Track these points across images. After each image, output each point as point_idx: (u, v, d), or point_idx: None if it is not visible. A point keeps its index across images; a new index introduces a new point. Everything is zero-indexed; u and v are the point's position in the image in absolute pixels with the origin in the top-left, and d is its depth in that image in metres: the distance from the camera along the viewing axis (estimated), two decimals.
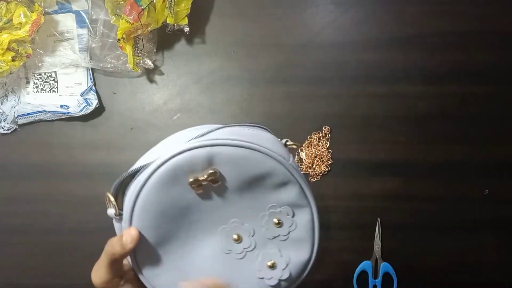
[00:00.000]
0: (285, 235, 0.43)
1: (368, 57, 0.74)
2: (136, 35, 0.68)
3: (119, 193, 0.41)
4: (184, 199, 0.40)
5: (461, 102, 0.74)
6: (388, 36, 0.74)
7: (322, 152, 0.72)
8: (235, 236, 0.42)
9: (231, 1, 0.75)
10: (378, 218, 0.72)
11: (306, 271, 0.43)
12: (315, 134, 0.73)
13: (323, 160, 0.72)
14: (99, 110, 0.73)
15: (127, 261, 0.43)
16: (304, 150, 0.73)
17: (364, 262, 0.72)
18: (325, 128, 0.73)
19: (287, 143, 0.43)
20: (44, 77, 0.73)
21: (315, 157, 0.72)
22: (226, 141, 0.39)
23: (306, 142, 0.73)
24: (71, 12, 0.73)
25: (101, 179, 0.73)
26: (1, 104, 0.74)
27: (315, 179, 0.73)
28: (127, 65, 0.69)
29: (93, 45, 0.72)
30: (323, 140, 0.73)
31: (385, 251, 0.72)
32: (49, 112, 0.72)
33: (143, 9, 0.65)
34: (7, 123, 0.73)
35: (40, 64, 0.73)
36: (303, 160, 0.73)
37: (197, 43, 0.75)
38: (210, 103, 0.74)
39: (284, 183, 0.41)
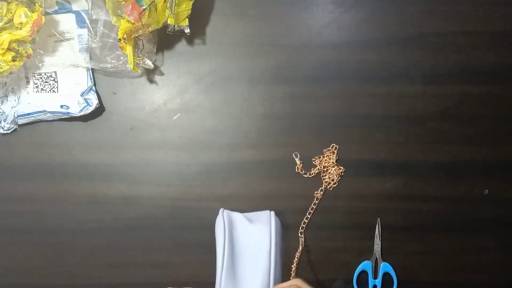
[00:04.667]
0: None
1: (368, 57, 0.74)
2: (136, 35, 0.68)
3: None
4: None
5: (461, 102, 0.74)
6: (388, 36, 0.74)
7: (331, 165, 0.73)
8: None
9: (231, 2, 0.75)
10: (378, 218, 0.72)
11: None
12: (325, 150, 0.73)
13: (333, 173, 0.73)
14: (99, 110, 0.74)
15: None
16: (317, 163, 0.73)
17: (364, 262, 0.72)
18: (332, 146, 0.73)
19: None
20: (44, 77, 0.73)
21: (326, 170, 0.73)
22: None
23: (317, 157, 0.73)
24: (71, 12, 0.73)
25: (101, 179, 0.73)
26: (1, 104, 0.74)
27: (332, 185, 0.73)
28: (127, 65, 0.69)
29: (93, 45, 0.72)
30: (332, 156, 0.73)
31: (385, 251, 0.72)
32: (49, 112, 0.72)
33: (144, 9, 0.65)
34: (7, 123, 0.73)
35: (40, 64, 0.73)
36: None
37: (197, 43, 0.75)
38: (210, 103, 0.74)
39: None
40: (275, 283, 0.59)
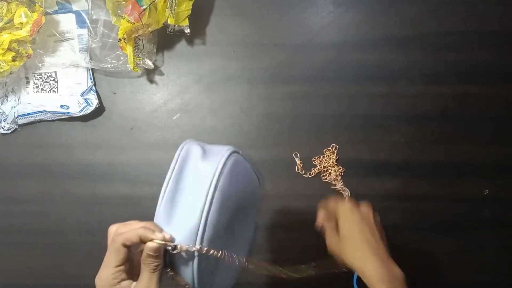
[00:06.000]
0: None
1: (368, 57, 0.74)
2: (137, 35, 0.68)
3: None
4: None
5: (461, 102, 0.74)
6: (388, 36, 0.74)
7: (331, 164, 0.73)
8: None
9: (231, 2, 0.75)
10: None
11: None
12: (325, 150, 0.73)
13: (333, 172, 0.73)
14: (99, 110, 0.74)
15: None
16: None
17: None
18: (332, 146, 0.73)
19: None
20: (44, 77, 0.73)
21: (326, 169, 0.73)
22: None
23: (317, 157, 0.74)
24: (71, 12, 0.73)
25: (101, 179, 0.73)
26: (1, 104, 0.74)
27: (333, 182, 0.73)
28: (127, 65, 0.69)
29: (93, 45, 0.72)
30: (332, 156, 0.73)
31: None
32: (49, 112, 0.72)
33: (144, 9, 0.65)
34: (7, 123, 0.73)
35: (40, 64, 0.73)
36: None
37: (197, 43, 0.75)
38: (210, 103, 0.74)
39: None
40: (214, 228, 0.51)
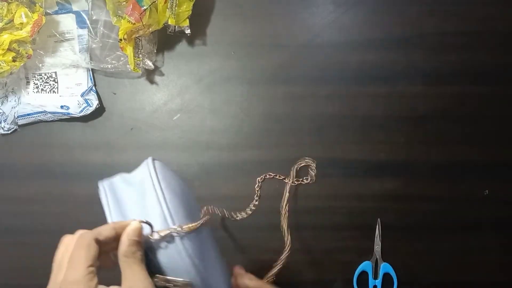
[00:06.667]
0: None
1: (368, 57, 0.74)
2: (137, 35, 0.68)
3: None
4: None
5: (461, 102, 0.74)
6: (388, 36, 0.74)
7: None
8: None
9: (232, 2, 0.75)
10: (378, 219, 0.72)
11: None
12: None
13: None
14: (99, 110, 0.74)
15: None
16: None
17: (364, 263, 0.72)
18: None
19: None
20: (44, 78, 0.73)
21: None
22: None
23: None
24: (71, 13, 0.73)
25: (101, 179, 0.73)
26: (1, 104, 0.74)
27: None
28: (128, 66, 0.69)
29: (94, 45, 0.72)
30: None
31: (385, 251, 0.72)
32: (49, 112, 0.72)
33: (145, 10, 0.65)
34: (7, 124, 0.73)
35: (40, 65, 0.73)
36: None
37: (198, 43, 0.75)
38: (210, 103, 0.74)
39: None
40: (177, 212, 0.47)
